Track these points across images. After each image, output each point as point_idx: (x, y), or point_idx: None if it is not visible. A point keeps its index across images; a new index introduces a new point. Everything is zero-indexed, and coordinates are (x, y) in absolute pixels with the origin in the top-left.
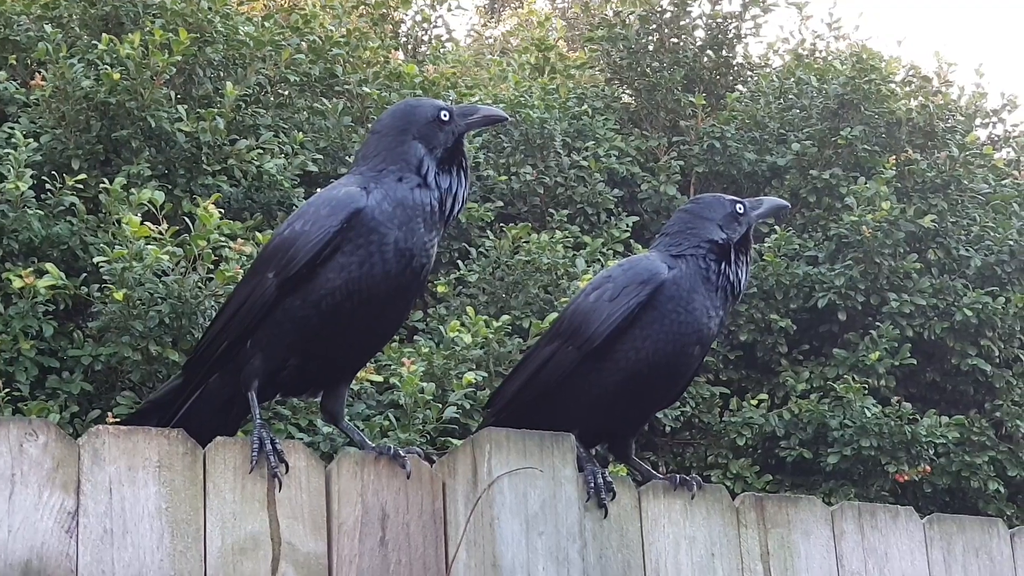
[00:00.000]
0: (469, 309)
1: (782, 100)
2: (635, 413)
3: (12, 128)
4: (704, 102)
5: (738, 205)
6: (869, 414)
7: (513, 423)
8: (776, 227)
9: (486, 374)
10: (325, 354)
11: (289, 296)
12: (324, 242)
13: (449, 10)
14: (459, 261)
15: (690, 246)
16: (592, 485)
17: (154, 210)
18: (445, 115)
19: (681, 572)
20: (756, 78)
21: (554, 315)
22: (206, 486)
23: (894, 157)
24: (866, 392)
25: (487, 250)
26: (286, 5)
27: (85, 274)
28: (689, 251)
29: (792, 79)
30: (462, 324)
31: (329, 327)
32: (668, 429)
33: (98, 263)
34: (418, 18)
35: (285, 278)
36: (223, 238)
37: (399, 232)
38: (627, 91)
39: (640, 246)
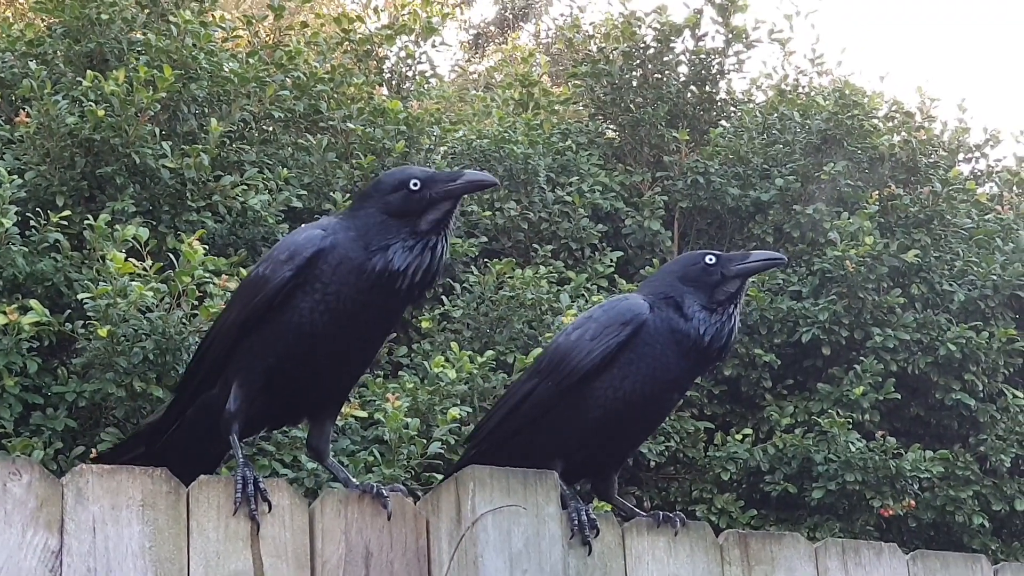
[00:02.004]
0: (453, 344)
1: (765, 135)
2: (613, 449)
3: None
4: (688, 137)
5: (708, 257)
6: (853, 448)
7: (493, 455)
8: None
9: (471, 409)
10: (292, 392)
11: (248, 337)
12: (277, 288)
13: (433, 46)
14: (443, 296)
15: (649, 294)
16: (576, 522)
17: (138, 246)
18: (415, 184)
19: None
20: (739, 114)
21: (539, 350)
22: (190, 525)
23: (877, 192)
24: (850, 427)
25: (471, 285)
26: (270, 42)
27: (69, 310)
28: (652, 302)
29: (775, 114)
30: (446, 359)
31: (290, 366)
32: (652, 464)
33: (82, 299)
34: (402, 54)
35: (245, 319)
36: (208, 274)
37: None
38: (611, 126)
39: (624, 281)
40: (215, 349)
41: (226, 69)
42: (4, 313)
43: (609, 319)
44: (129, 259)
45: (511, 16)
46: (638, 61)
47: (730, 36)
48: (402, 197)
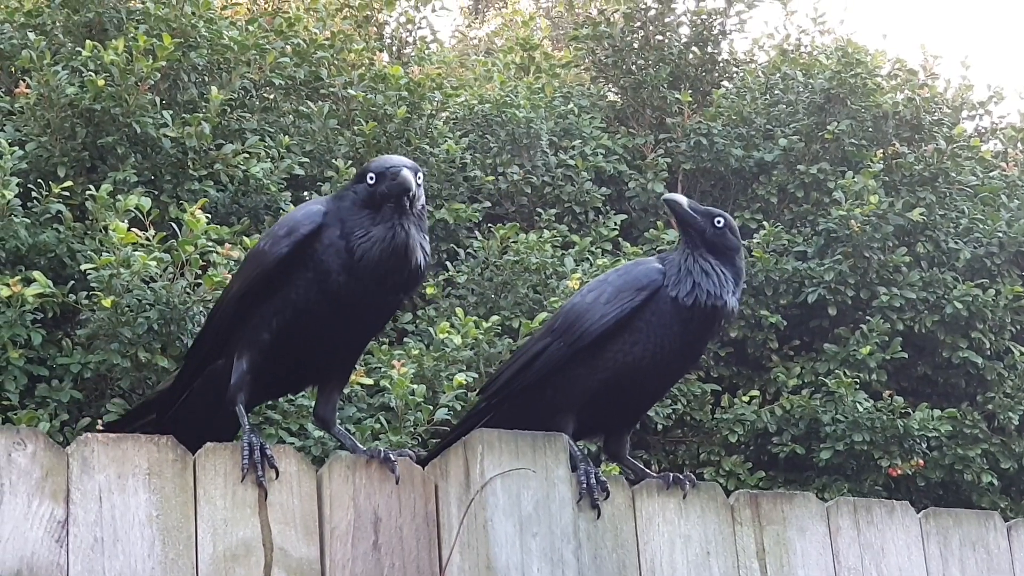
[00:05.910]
0: (458, 310)
1: (768, 96)
2: (623, 410)
3: None
4: (690, 99)
5: (716, 219)
6: (861, 408)
7: (503, 410)
8: (765, 223)
9: (476, 375)
10: (295, 364)
11: (249, 310)
12: (276, 261)
13: (433, 11)
14: (447, 262)
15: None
16: (585, 485)
17: (141, 216)
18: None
19: (677, 571)
20: (742, 74)
21: (544, 315)
22: (197, 493)
23: (881, 151)
24: (857, 387)
25: (475, 251)
26: (270, 9)
27: (73, 282)
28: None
29: (778, 74)
30: (451, 325)
31: (290, 340)
32: (660, 427)
33: (86, 270)
34: (402, 19)
35: (244, 292)
36: (210, 243)
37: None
38: (613, 89)
39: (628, 244)
40: (218, 321)
41: (226, 37)
42: (8, 285)
43: (624, 284)
44: (132, 229)
45: None
46: (639, 23)
47: None
48: (365, 190)
